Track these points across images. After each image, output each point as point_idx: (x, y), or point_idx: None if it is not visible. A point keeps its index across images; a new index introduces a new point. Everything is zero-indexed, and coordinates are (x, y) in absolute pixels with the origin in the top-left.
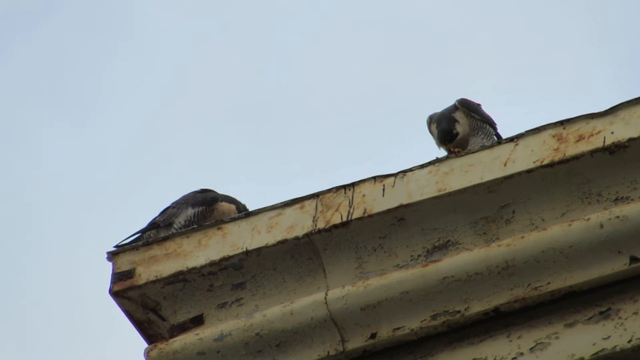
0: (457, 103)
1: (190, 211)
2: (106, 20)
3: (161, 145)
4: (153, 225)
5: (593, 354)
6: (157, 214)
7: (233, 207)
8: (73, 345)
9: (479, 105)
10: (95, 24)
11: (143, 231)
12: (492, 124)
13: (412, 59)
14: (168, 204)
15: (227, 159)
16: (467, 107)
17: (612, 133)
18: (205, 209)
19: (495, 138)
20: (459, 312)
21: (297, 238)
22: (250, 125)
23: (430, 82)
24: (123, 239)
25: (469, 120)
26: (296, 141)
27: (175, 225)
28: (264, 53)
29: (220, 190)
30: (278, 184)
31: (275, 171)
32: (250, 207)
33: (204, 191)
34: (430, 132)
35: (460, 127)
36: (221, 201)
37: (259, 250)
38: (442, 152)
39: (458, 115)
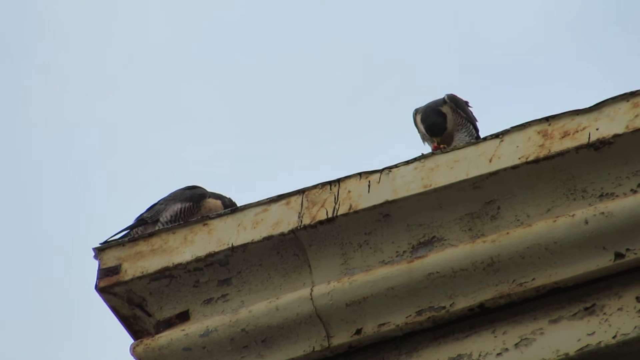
0: (446, 97)
1: (177, 206)
2: None
3: (149, 141)
4: (140, 221)
5: (578, 350)
6: (144, 210)
7: (219, 202)
8: (59, 341)
9: (466, 102)
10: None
11: (130, 228)
12: (474, 125)
13: (396, 56)
14: (155, 201)
15: (215, 155)
16: (455, 103)
17: (597, 129)
18: (192, 205)
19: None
20: (444, 307)
21: (282, 234)
22: (238, 122)
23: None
24: (110, 235)
25: (454, 117)
26: (283, 137)
27: (162, 220)
28: (252, 51)
29: (209, 187)
30: (264, 180)
31: (261, 167)
32: (237, 203)
33: (192, 188)
34: (416, 124)
35: (449, 122)
36: (208, 197)
37: (244, 246)
38: (427, 148)
39: (445, 109)
